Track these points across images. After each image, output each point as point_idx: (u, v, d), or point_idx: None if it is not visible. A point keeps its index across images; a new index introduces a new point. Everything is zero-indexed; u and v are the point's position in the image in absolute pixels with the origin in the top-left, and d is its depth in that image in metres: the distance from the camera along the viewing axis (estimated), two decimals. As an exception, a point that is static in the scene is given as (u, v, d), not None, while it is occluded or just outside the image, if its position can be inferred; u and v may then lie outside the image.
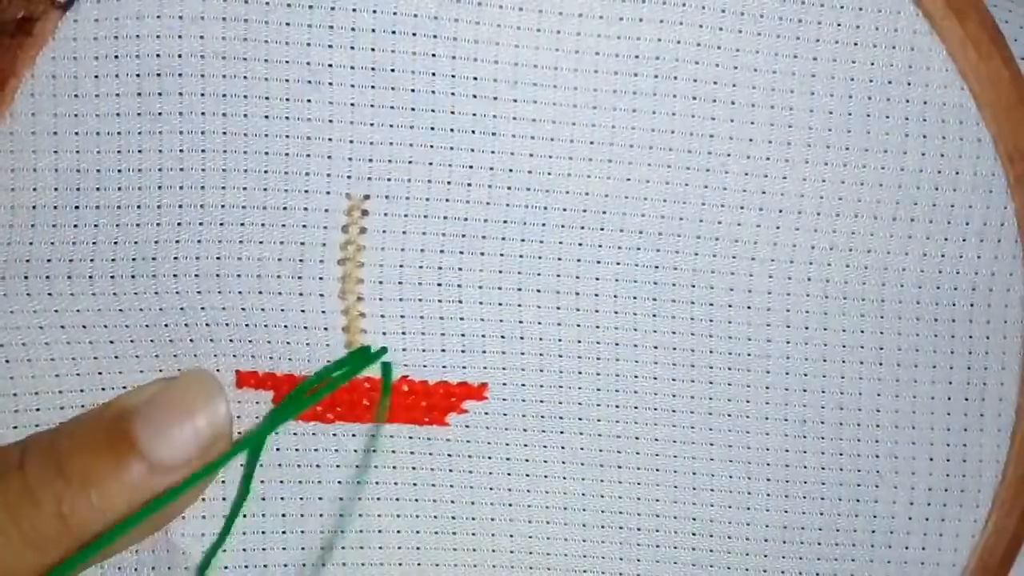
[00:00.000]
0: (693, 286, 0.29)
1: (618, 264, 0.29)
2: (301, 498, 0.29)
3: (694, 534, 0.31)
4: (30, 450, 0.26)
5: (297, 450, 0.29)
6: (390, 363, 0.29)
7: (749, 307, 0.30)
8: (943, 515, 0.31)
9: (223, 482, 0.29)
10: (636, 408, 0.30)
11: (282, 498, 0.29)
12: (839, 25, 0.28)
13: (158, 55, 0.27)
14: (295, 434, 0.29)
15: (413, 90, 0.27)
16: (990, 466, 0.31)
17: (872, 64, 0.29)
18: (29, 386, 0.28)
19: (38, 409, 0.28)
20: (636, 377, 0.30)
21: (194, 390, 0.27)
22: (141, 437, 0.26)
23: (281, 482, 0.29)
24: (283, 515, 0.29)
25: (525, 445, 0.30)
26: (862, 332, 0.30)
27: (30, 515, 0.25)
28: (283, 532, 0.29)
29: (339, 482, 0.29)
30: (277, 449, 0.29)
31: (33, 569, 0.25)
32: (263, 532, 0.29)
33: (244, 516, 0.29)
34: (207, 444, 0.26)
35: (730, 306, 0.30)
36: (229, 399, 0.28)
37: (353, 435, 0.29)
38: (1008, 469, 0.31)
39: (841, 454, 0.31)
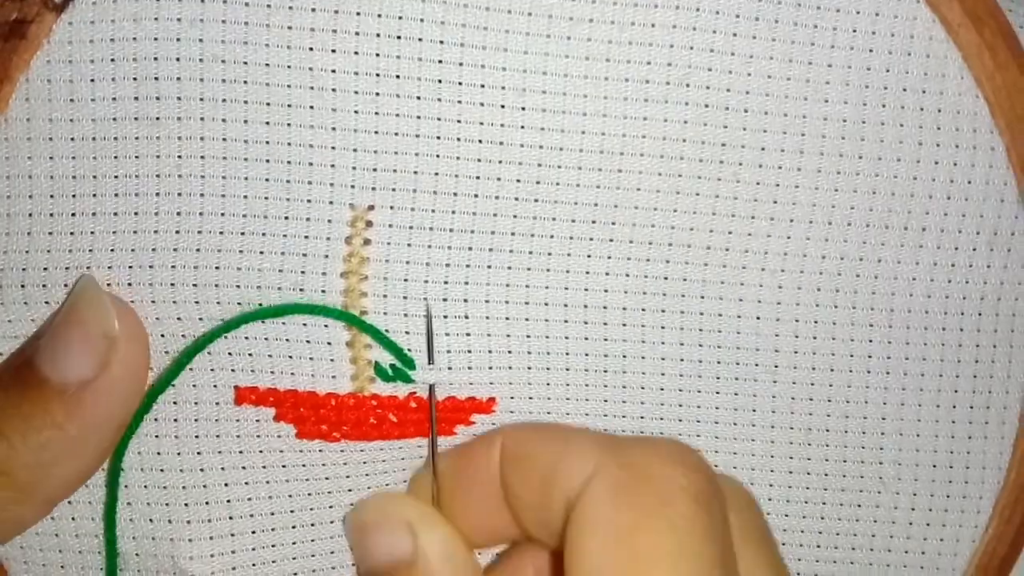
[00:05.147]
0: (703, 297, 0.29)
1: (627, 275, 0.29)
2: (311, 509, 0.29)
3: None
4: None
5: (304, 466, 0.28)
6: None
7: (758, 318, 0.29)
8: (944, 520, 0.31)
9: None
10: (643, 418, 0.29)
11: (292, 511, 0.29)
12: (854, 31, 0.28)
13: (155, 58, 0.26)
14: (300, 451, 0.28)
15: (419, 97, 0.27)
16: (992, 473, 0.31)
17: (887, 71, 0.28)
18: None
19: (37, 419, 0.27)
20: (643, 388, 0.29)
21: (79, 303, 0.27)
22: (43, 364, 0.26)
23: (290, 496, 0.29)
24: (293, 527, 0.29)
25: None
26: (870, 341, 0.30)
27: None
28: (293, 543, 0.29)
29: (349, 490, 0.29)
30: (284, 466, 0.29)
31: None
32: (273, 546, 0.29)
33: (254, 533, 0.29)
34: (105, 349, 0.26)
35: (739, 317, 0.29)
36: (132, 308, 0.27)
37: (361, 450, 0.28)
38: (1010, 476, 0.31)
39: (844, 461, 0.31)
